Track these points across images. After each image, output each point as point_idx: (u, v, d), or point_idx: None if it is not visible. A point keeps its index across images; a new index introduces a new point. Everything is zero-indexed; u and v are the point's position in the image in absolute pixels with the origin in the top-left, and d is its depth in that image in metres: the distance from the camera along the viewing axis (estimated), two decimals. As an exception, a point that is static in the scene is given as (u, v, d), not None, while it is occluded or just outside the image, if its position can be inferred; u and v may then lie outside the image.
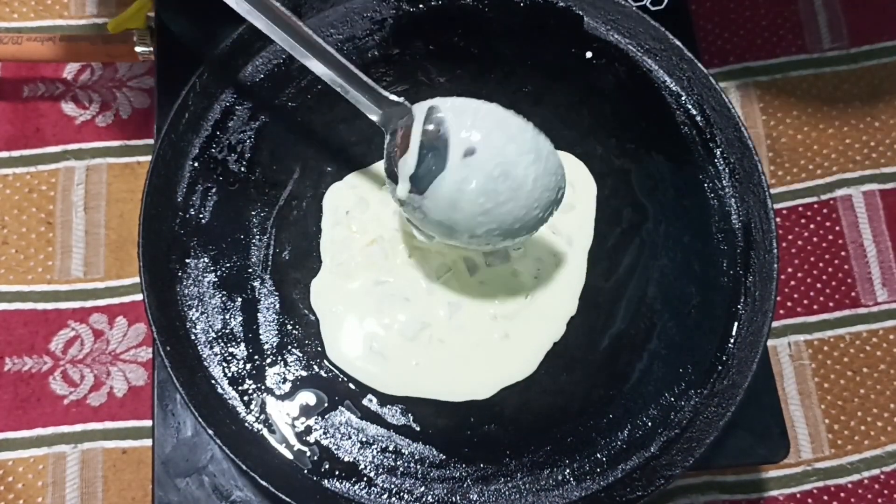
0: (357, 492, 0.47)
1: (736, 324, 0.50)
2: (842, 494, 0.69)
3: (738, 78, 0.81)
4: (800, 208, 0.77)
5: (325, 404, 0.48)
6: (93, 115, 0.76)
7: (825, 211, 0.77)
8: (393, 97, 0.47)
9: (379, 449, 0.48)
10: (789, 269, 0.75)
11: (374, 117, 0.47)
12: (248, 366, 0.49)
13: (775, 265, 0.49)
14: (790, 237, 0.76)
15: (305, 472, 0.47)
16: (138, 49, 0.66)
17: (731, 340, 0.50)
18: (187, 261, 0.50)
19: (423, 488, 0.47)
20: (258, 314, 0.50)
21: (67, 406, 0.69)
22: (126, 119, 0.77)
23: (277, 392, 0.49)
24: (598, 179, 0.54)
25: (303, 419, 0.48)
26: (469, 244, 0.46)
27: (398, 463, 0.48)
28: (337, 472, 0.47)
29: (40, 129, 0.76)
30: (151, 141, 0.74)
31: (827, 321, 0.74)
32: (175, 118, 0.51)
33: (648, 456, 0.48)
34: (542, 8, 0.57)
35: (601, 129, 0.55)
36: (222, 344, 0.49)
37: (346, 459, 0.48)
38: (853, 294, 0.75)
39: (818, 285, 0.75)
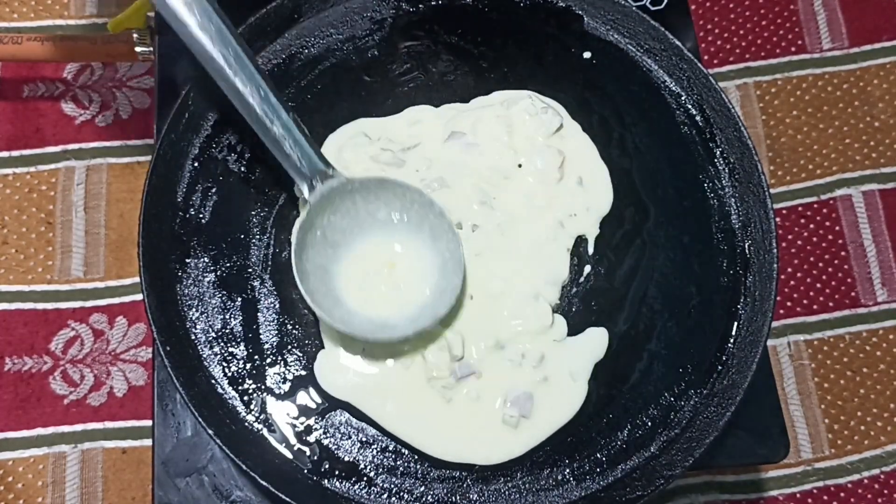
0: (357, 492, 0.47)
1: (736, 324, 0.50)
2: (842, 494, 0.69)
3: (738, 78, 0.81)
4: (800, 208, 0.77)
5: (325, 404, 0.48)
6: (93, 115, 0.76)
7: (825, 211, 0.77)
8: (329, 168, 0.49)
9: (379, 449, 0.48)
10: (789, 269, 0.75)
11: (304, 185, 0.49)
12: (248, 366, 0.49)
13: (775, 265, 0.49)
14: (790, 237, 0.76)
15: (305, 472, 0.47)
16: (138, 49, 0.66)
17: (731, 340, 0.50)
18: (187, 261, 0.50)
19: (423, 488, 0.47)
20: (258, 314, 0.50)
21: (67, 406, 0.69)
22: (126, 119, 0.77)
23: (277, 392, 0.49)
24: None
25: (303, 419, 0.48)
26: None
27: (398, 463, 0.48)
28: (337, 472, 0.47)
29: (40, 129, 0.76)
30: (151, 141, 0.74)
31: (827, 321, 0.74)
32: (175, 118, 0.51)
33: (648, 456, 0.48)
34: (542, 8, 0.57)
35: (601, 129, 0.55)
36: (222, 344, 0.49)
37: (346, 459, 0.48)
38: (853, 294, 0.75)
39: (818, 285, 0.75)
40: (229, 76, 0.47)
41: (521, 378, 0.49)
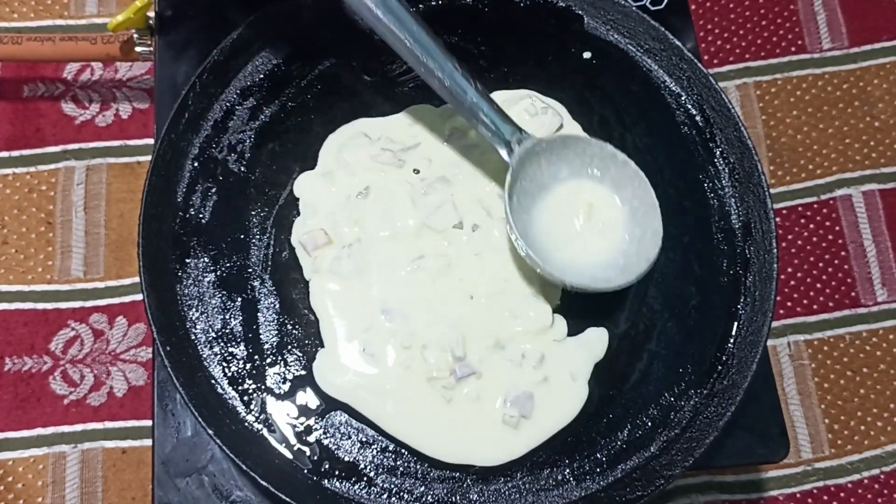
0: (357, 492, 0.47)
1: (736, 324, 0.50)
2: (842, 494, 0.69)
3: (738, 78, 0.81)
4: (800, 208, 0.77)
5: (325, 404, 0.48)
6: (93, 115, 0.76)
7: (825, 211, 0.77)
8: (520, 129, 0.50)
9: (379, 449, 0.48)
10: (789, 269, 0.75)
11: (503, 150, 0.50)
12: (248, 366, 0.49)
13: (775, 265, 0.49)
14: (790, 237, 0.76)
15: (305, 472, 0.47)
16: (138, 49, 0.66)
17: (731, 340, 0.50)
18: (187, 261, 0.50)
19: (423, 488, 0.47)
20: (258, 314, 0.50)
21: (67, 406, 0.69)
22: (126, 119, 0.77)
23: (277, 392, 0.49)
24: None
25: (303, 419, 0.48)
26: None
27: (398, 463, 0.48)
28: (337, 472, 0.47)
29: (40, 129, 0.76)
30: (151, 141, 0.74)
31: (827, 321, 0.74)
32: (175, 118, 0.51)
33: (648, 456, 0.48)
34: (542, 8, 0.57)
35: (601, 129, 0.55)
36: (222, 344, 0.49)
37: (346, 459, 0.48)
38: (853, 294, 0.75)
39: (818, 285, 0.75)
40: (420, 58, 0.48)
41: (521, 378, 0.49)
